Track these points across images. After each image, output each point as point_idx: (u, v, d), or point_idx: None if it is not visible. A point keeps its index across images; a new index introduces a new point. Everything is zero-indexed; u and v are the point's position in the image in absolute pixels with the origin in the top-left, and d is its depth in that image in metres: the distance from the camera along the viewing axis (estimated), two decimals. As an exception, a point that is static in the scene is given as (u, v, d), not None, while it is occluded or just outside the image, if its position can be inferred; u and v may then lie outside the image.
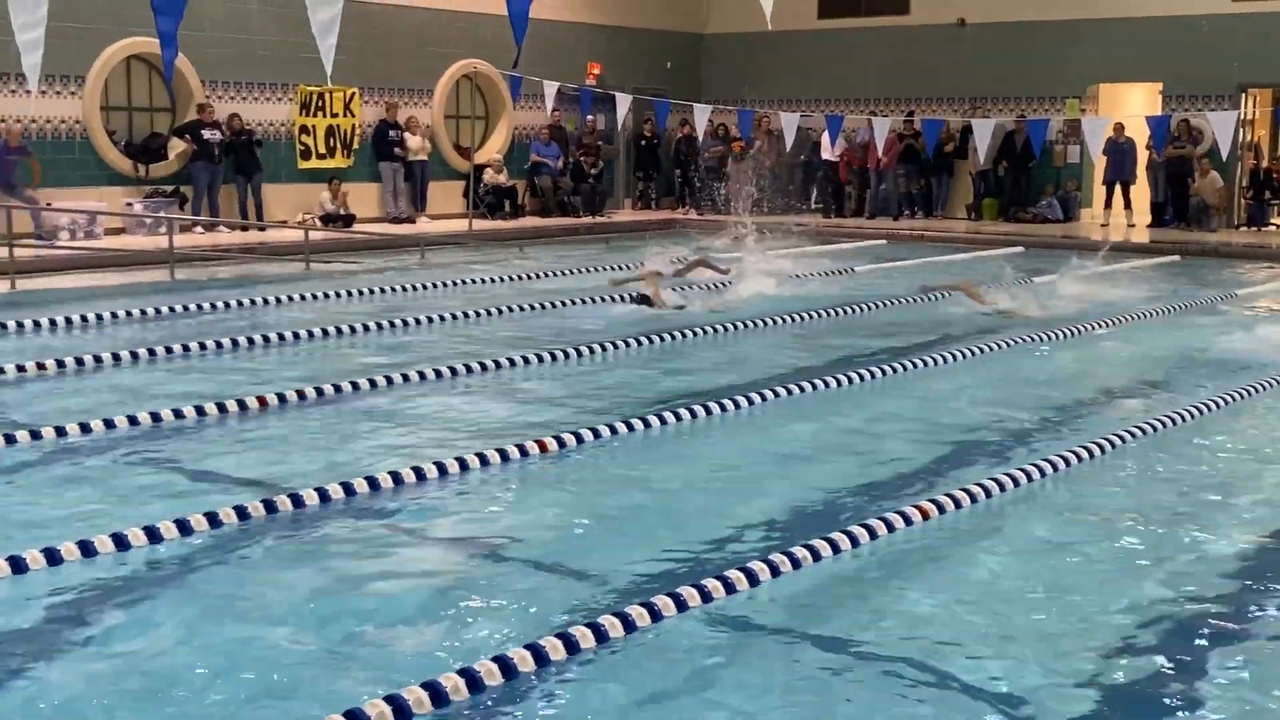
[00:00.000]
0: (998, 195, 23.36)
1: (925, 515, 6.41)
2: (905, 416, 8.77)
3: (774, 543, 6.03)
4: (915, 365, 10.24)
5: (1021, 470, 7.16)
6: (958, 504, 6.60)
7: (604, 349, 10.82)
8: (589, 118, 23.45)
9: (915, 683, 4.66)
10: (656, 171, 25.25)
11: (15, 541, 5.78)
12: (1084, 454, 7.56)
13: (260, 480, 7.00)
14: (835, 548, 5.91)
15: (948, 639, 5.02)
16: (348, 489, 6.69)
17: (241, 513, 6.28)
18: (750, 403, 8.84)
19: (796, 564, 5.70)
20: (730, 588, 5.39)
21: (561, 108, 23.02)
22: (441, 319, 12.32)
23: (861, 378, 9.65)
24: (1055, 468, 7.29)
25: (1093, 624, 5.21)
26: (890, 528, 6.23)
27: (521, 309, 13.02)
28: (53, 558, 5.61)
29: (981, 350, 10.90)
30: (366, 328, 11.82)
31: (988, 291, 13.68)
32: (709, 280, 14.67)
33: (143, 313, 12.36)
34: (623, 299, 13.07)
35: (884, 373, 9.91)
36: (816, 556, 5.81)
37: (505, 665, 4.58)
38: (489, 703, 4.44)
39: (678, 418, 8.40)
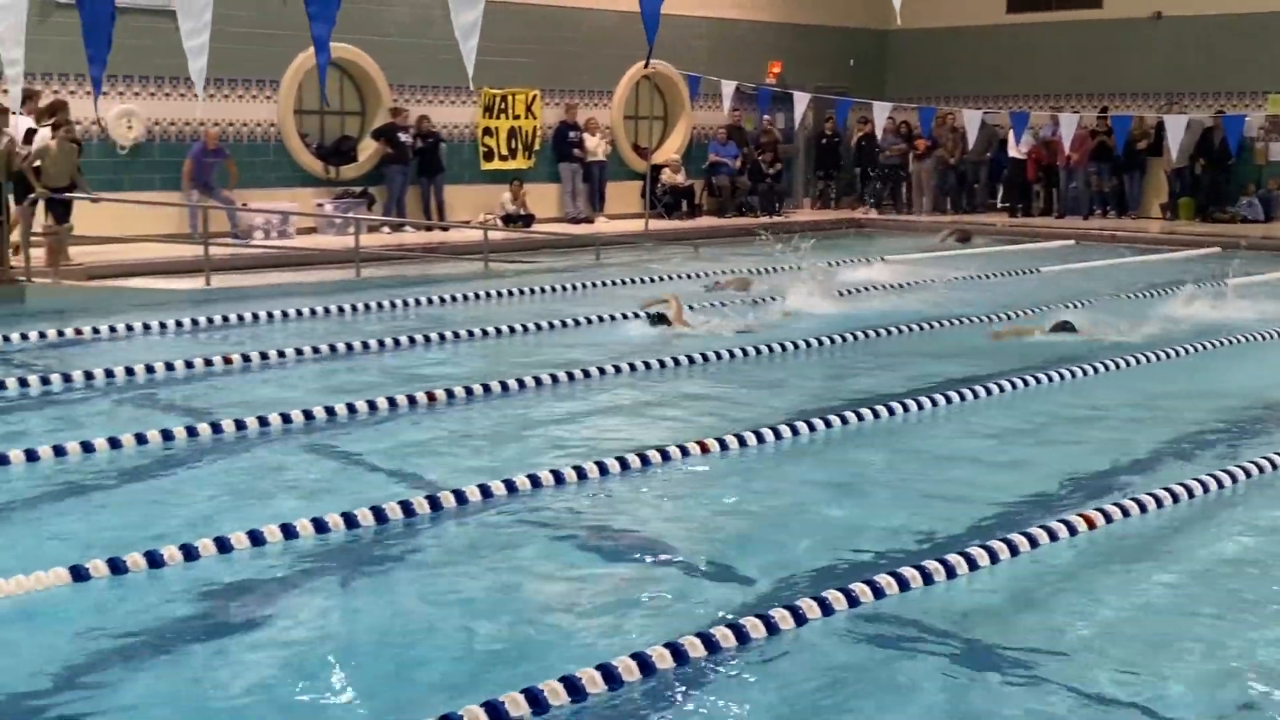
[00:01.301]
0: (1194, 194, 22.45)
1: (1091, 524, 6.21)
2: (1063, 420, 8.50)
3: (922, 551, 5.91)
4: (1056, 378, 9.87)
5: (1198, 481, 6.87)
6: (1108, 518, 6.37)
7: (771, 350, 10.75)
8: (767, 117, 23.35)
9: (1060, 695, 4.51)
10: (836, 170, 25.01)
11: (195, 530, 6.01)
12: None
13: (422, 475, 7.16)
14: (995, 556, 5.77)
15: (1097, 652, 4.86)
16: (509, 486, 6.79)
17: (406, 508, 6.43)
18: (891, 413, 8.63)
19: (951, 572, 5.58)
20: (879, 593, 5.31)
21: (740, 107, 23.01)
22: (612, 318, 12.40)
23: (989, 391, 9.31)
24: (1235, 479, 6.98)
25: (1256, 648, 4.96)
26: (1054, 537, 6.06)
27: (691, 307, 13.02)
28: (223, 545, 5.82)
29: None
30: (539, 326, 11.99)
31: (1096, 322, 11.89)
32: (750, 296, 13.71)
33: (326, 310, 12.77)
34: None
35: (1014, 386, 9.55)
36: (973, 566, 5.69)
37: (643, 663, 4.59)
38: (630, 698, 4.46)
39: (827, 424, 8.28)
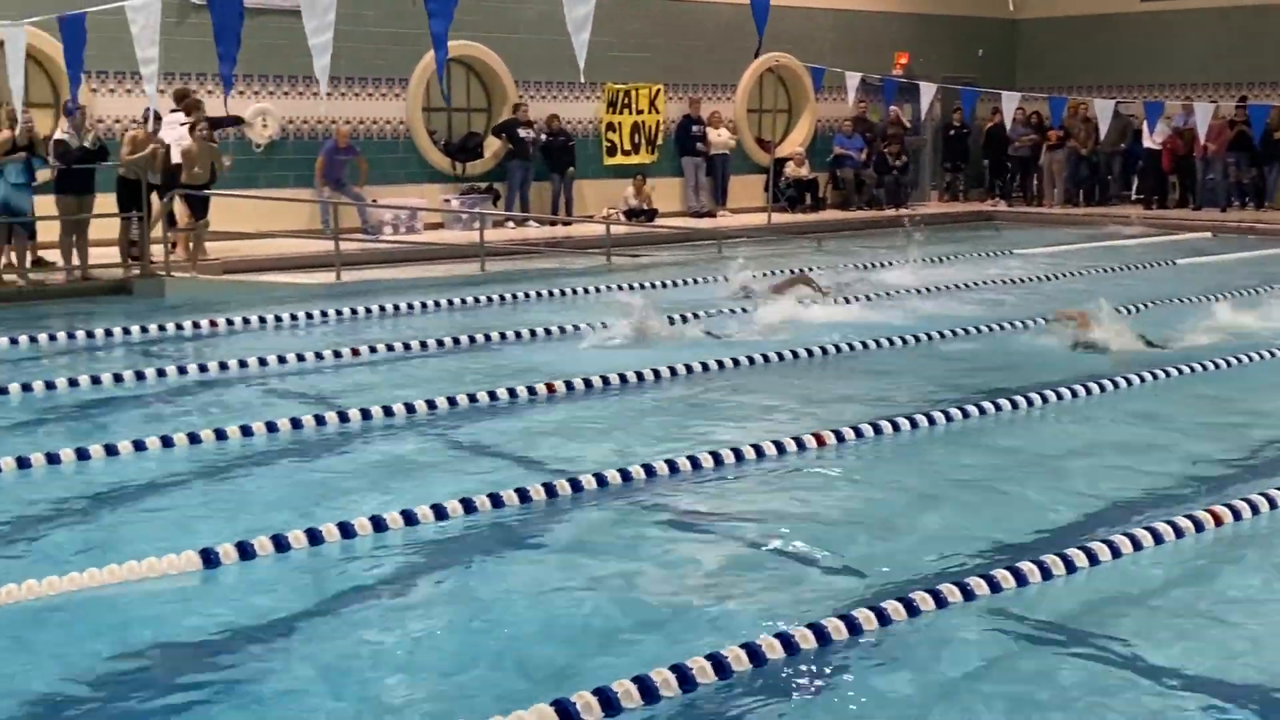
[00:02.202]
0: (1337, 184, 21.66)
1: (1218, 521, 6.08)
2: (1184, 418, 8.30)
3: (1038, 545, 5.83)
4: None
5: None
6: (1255, 509, 6.21)
7: (891, 343, 10.67)
8: (894, 108, 23.10)
9: (1194, 694, 4.43)
10: (964, 162, 24.64)
11: (322, 516, 6.19)
12: None
13: (539, 463, 7.26)
14: (1134, 545, 5.69)
15: (1221, 645, 4.77)
16: (624, 475, 6.87)
17: (550, 490, 6.57)
18: (1014, 406, 8.50)
19: (1095, 559, 5.55)
20: (995, 587, 5.26)
21: (865, 98, 22.79)
22: (732, 311, 12.41)
23: (1116, 385, 9.11)
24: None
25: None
26: (1179, 533, 5.93)
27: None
28: (347, 530, 5.98)
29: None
30: (671, 320, 12.04)
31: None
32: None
33: (450, 303, 12.98)
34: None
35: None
36: (1117, 553, 5.66)
37: (752, 653, 4.61)
38: (741, 689, 4.48)
39: (948, 418, 8.21)
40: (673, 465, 7.04)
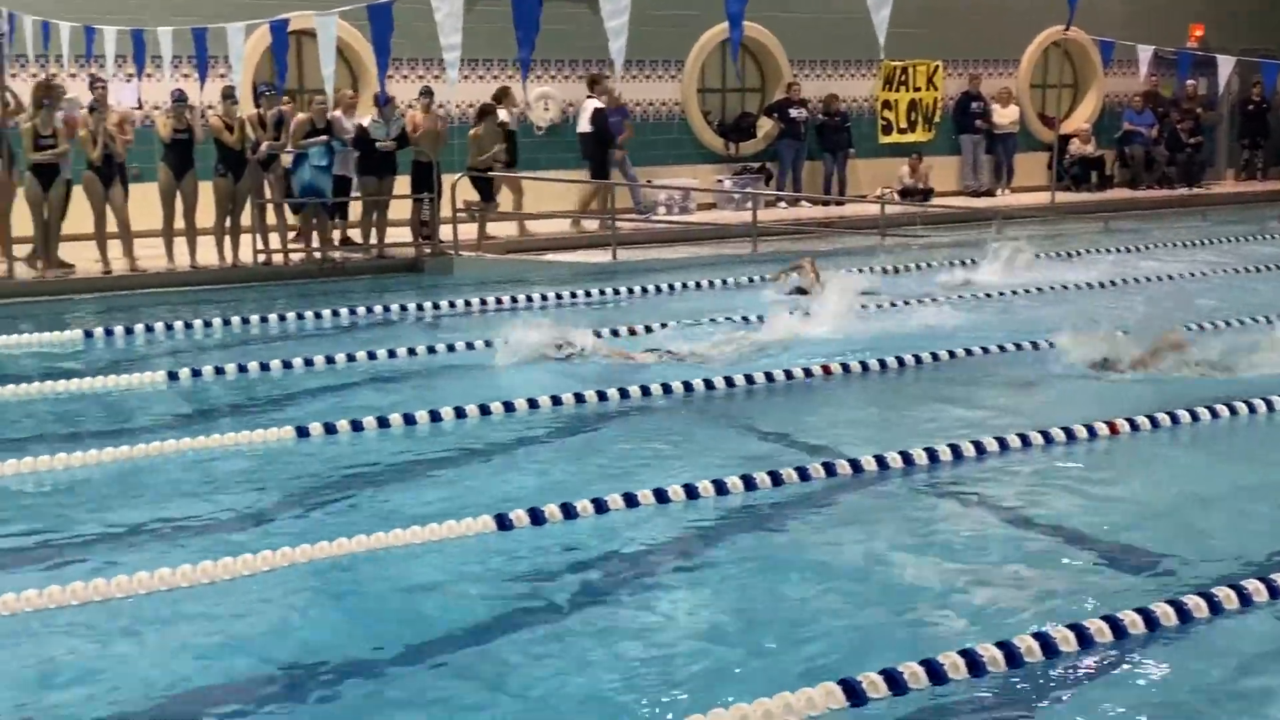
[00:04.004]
0: None
1: None
2: None
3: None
4: None
5: None
6: None
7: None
8: (1189, 82, 21.96)
9: None
10: (1264, 139, 23.20)
11: (608, 486, 6.34)
12: None
13: (815, 444, 7.26)
14: None
15: None
16: (906, 458, 6.80)
17: (803, 474, 6.57)
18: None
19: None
20: None
21: (1157, 72, 21.74)
22: (1014, 293, 12.07)
23: None
24: None
25: None
26: None
27: (1110, 284, 12.52)
28: (631, 500, 6.15)
29: None
30: (934, 300, 11.84)
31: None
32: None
33: (724, 283, 13.07)
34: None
35: None
36: None
37: (1009, 654, 4.51)
38: (1028, 676, 4.39)
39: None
40: (956, 449, 6.93)
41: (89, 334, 10.60)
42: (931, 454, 6.87)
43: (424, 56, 16.51)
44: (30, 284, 12.67)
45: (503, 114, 16.17)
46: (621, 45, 8.99)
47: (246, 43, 13.66)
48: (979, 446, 6.99)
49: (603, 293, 12.55)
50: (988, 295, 12.15)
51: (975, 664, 4.38)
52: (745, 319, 10.79)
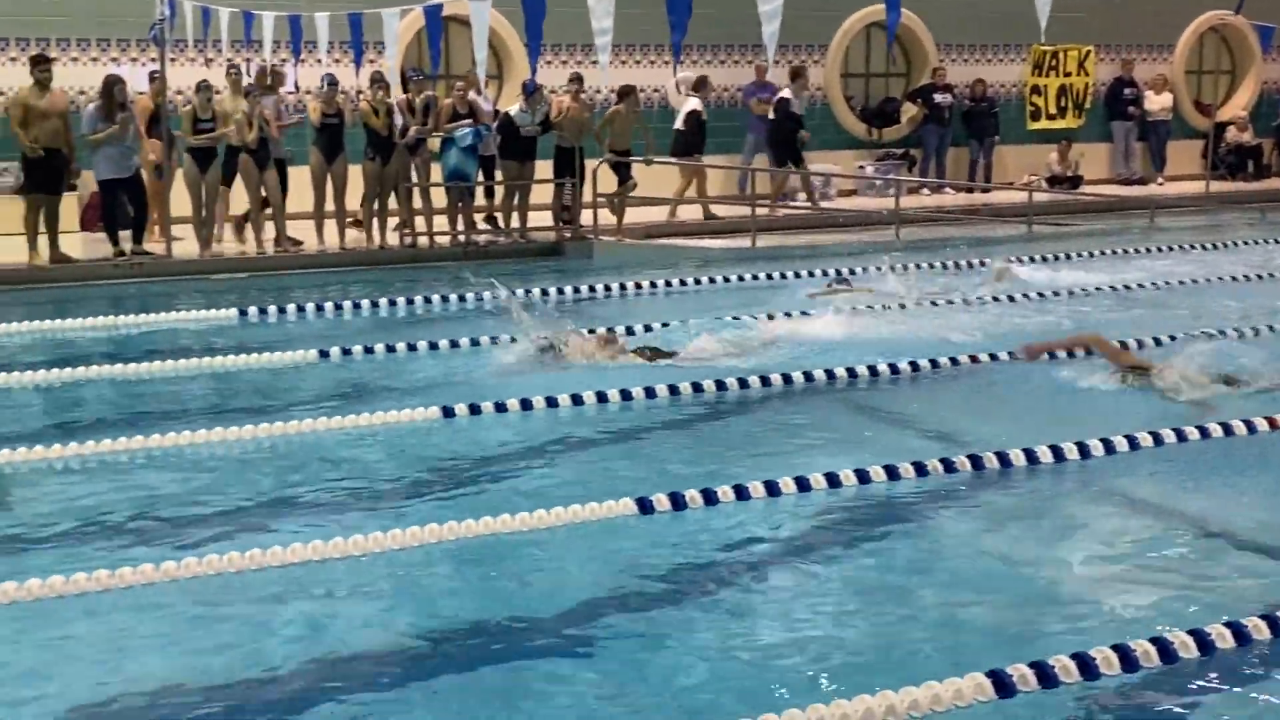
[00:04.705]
0: None
1: None
2: None
3: None
4: None
5: None
6: None
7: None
8: (1356, 68, 21.11)
9: None
10: None
11: (748, 473, 6.34)
12: None
13: (958, 435, 7.18)
14: None
15: None
16: (1056, 453, 6.67)
17: (949, 465, 6.49)
18: None
19: None
20: None
21: (1321, 58, 20.94)
22: (1165, 285, 11.75)
23: None
24: None
25: None
26: None
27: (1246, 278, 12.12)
28: (772, 489, 6.13)
29: None
30: (1086, 291, 11.58)
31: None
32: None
33: (864, 270, 12.93)
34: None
35: None
36: None
37: (1201, 640, 4.40)
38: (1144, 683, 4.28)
39: None
40: (1109, 445, 6.77)
41: (243, 312, 10.92)
42: (1083, 449, 6.72)
43: (568, 42, 16.65)
44: (188, 263, 13.09)
45: (696, 101, 16.26)
46: (775, 30, 8.96)
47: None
48: (1132, 441, 6.82)
49: (741, 279, 12.51)
50: (1139, 286, 11.85)
51: (1127, 659, 4.29)
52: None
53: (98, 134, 12.65)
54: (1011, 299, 11.23)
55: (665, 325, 10.04)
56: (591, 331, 9.34)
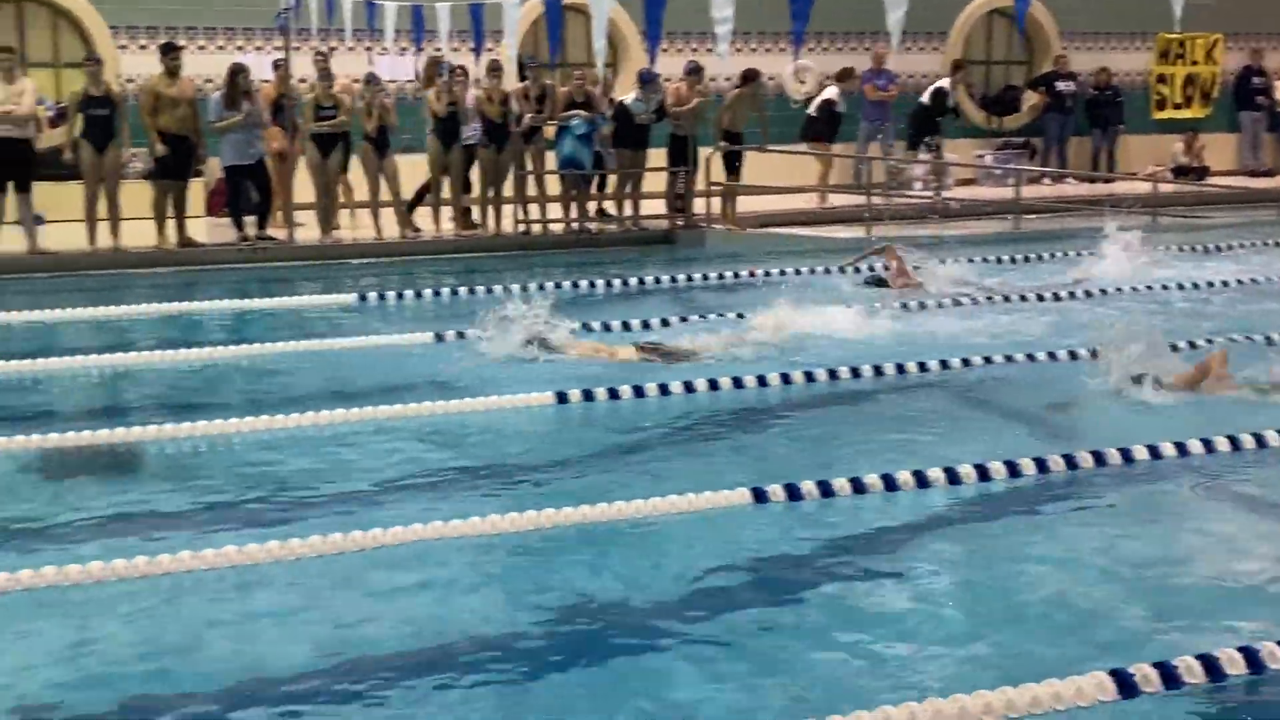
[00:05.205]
0: None
1: None
2: None
3: None
4: None
5: None
6: None
7: None
8: None
9: None
10: None
11: (860, 465, 6.32)
12: None
13: (1071, 430, 7.07)
14: None
15: None
16: (1180, 449, 6.52)
17: (1070, 461, 6.37)
18: None
19: None
20: None
21: None
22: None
23: None
24: None
25: None
26: None
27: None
28: (889, 483, 6.07)
29: None
30: (1210, 284, 11.29)
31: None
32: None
33: (984, 260, 12.73)
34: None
35: None
36: None
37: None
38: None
39: None
40: (1234, 441, 6.60)
41: (363, 297, 11.11)
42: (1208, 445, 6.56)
43: (683, 29, 16.63)
44: (310, 248, 13.35)
45: (834, 90, 16.21)
46: (900, 17, 8.86)
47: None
48: (1259, 439, 6.64)
49: (858, 269, 12.39)
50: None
51: (1253, 660, 4.18)
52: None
53: (223, 122, 12.96)
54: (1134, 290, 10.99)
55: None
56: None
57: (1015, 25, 19.15)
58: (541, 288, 11.55)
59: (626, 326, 9.72)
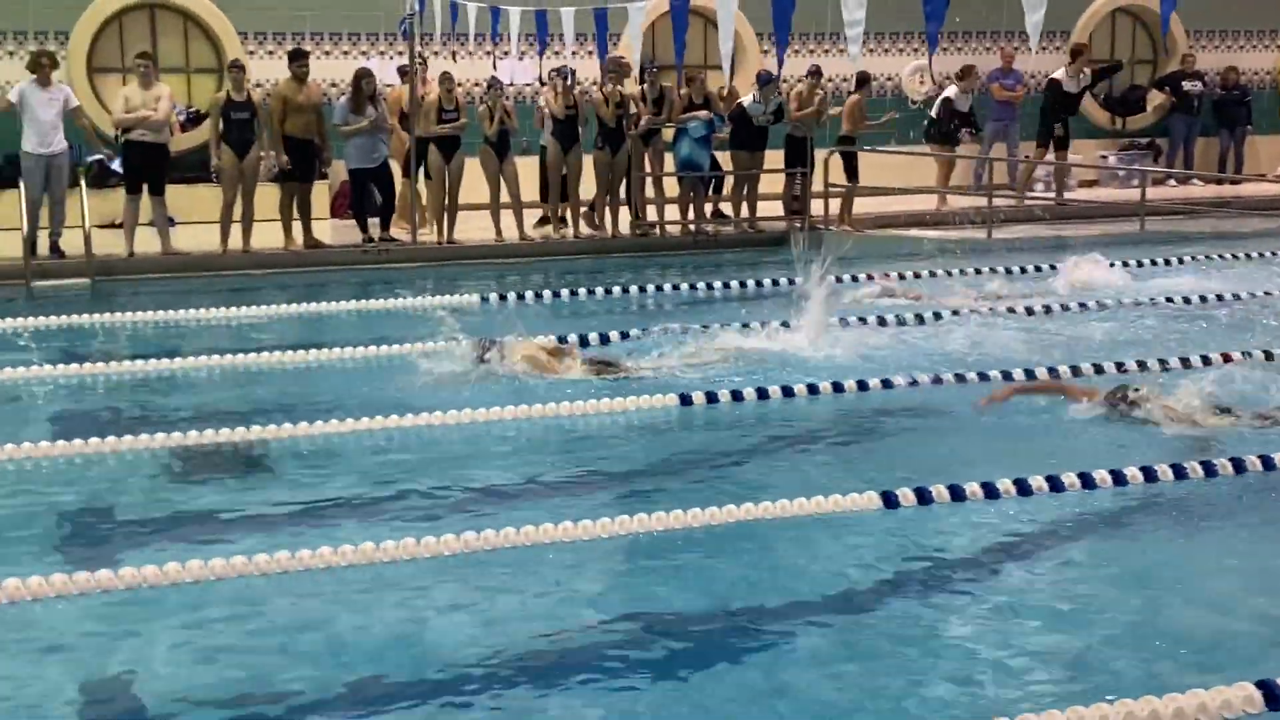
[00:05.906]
0: None
1: None
2: None
3: None
4: None
5: None
6: None
7: None
8: None
9: None
10: None
11: (991, 471, 6.21)
12: None
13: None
14: None
15: None
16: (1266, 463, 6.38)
17: (1209, 469, 6.28)
18: None
19: None
20: None
21: None
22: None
23: None
24: None
25: None
26: None
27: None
28: (990, 492, 6.01)
29: None
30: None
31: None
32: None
33: (1110, 265, 12.48)
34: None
35: None
36: None
37: None
38: None
39: None
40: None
41: (485, 299, 11.24)
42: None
43: (800, 31, 16.55)
44: (432, 249, 13.54)
45: (953, 90, 16.12)
46: (1039, 19, 8.73)
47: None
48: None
49: (979, 271, 12.25)
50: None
51: None
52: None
53: (349, 126, 13.20)
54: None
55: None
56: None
57: (1138, 24, 18.81)
58: (659, 289, 11.63)
59: (745, 325, 9.65)
